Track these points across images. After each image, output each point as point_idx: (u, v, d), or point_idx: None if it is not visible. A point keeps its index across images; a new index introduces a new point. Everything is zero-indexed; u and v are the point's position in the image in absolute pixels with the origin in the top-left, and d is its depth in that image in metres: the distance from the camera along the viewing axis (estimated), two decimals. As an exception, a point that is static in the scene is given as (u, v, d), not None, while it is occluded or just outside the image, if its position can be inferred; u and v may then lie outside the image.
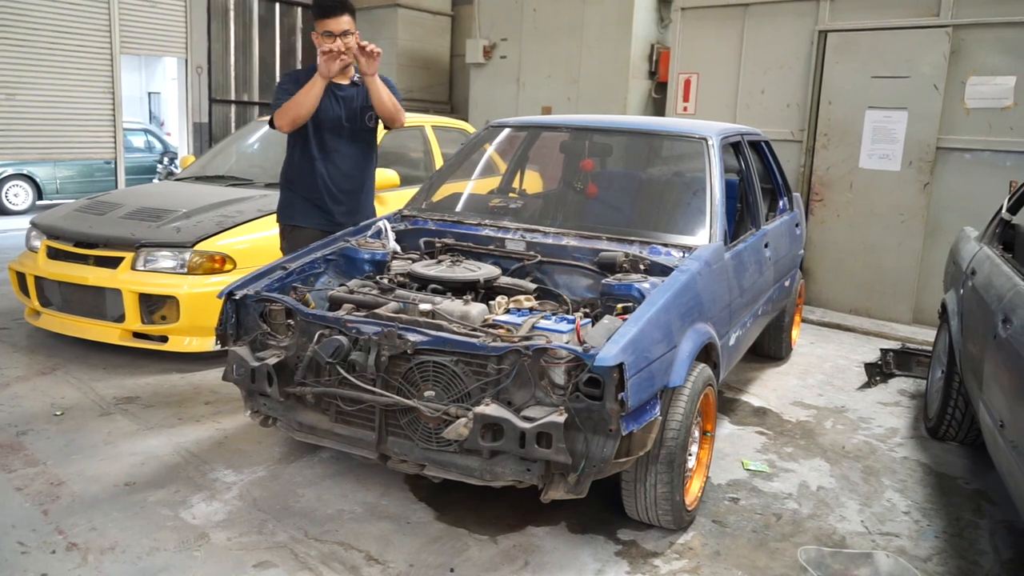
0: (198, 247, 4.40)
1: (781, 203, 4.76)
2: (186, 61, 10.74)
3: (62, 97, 9.25)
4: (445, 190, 4.15)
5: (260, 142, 6.30)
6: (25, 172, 10.41)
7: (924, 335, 5.63)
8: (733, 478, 3.39)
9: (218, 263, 4.41)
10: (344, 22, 3.52)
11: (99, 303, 4.38)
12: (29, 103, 8.88)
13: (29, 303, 4.75)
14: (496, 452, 2.52)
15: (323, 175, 3.75)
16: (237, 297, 2.99)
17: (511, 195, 4.41)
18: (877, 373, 4.82)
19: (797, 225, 4.95)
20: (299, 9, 12.34)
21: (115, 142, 9.91)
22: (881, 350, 5.00)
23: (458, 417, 2.50)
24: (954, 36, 5.72)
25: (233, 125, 11.65)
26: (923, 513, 3.18)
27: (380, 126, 3.85)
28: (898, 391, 4.66)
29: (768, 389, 4.57)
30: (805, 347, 5.45)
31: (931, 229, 6.01)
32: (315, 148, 3.74)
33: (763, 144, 4.64)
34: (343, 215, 3.80)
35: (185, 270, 4.34)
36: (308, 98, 3.54)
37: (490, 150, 4.60)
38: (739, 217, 4.08)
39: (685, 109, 7.27)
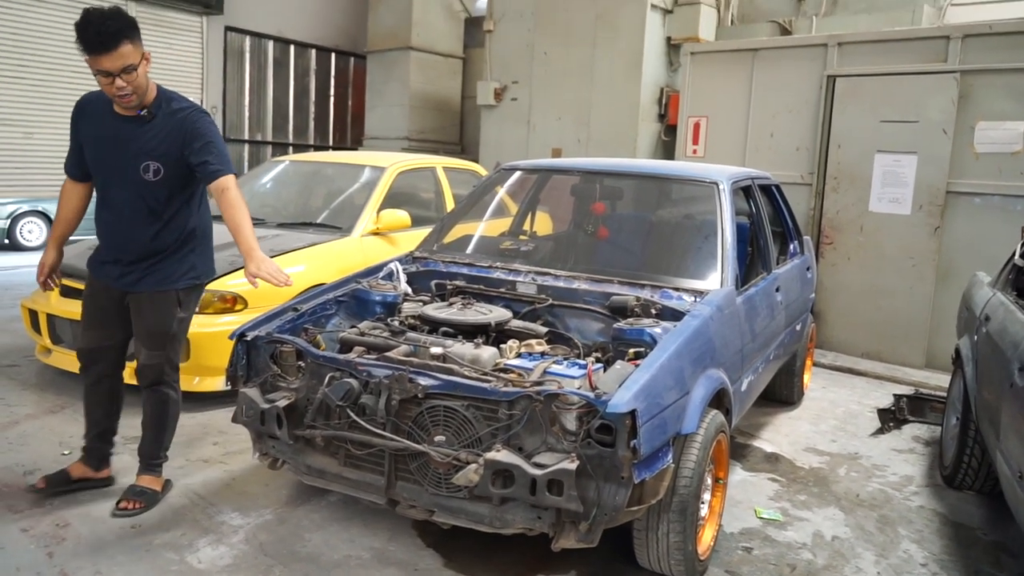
0: (210, 286, 4.40)
1: (792, 247, 4.76)
2: (201, 101, 10.92)
3: (79, 136, 9.38)
4: (456, 232, 4.17)
5: (272, 182, 6.37)
6: (40, 209, 10.51)
7: (937, 380, 5.58)
8: (746, 526, 3.33)
9: (229, 302, 4.42)
10: (123, 55, 2.75)
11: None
12: (46, 142, 9.02)
13: (41, 340, 4.76)
14: (506, 499, 2.49)
15: (102, 223, 3.17)
16: (248, 338, 2.99)
17: (522, 237, 4.43)
18: (890, 419, 4.76)
19: (808, 269, 4.95)
20: (313, 51, 12.57)
21: (129, 180, 10.02)
22: (894, 395, 4.95)
23: (468, 463, 2.48)
24: (963, 81, 5.76)
25: (246, 164, 11.80)
26: (941, 565, 3.11)
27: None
28: (912, 437, 4.60)
29: (780, 434, 4.52)
30: (817, 391, 5.40)
31: (942, 273, 5.98)
32: (98, 191, 3.18)
33: (773, 188, 4.66)
34: (117, 279, 3.16)
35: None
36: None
37: (501, 192, 4.63)
38: (750, 261, 4.08)
39: (695, 152, 7.32)
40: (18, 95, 8.63)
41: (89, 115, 3.05)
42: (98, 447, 3.34)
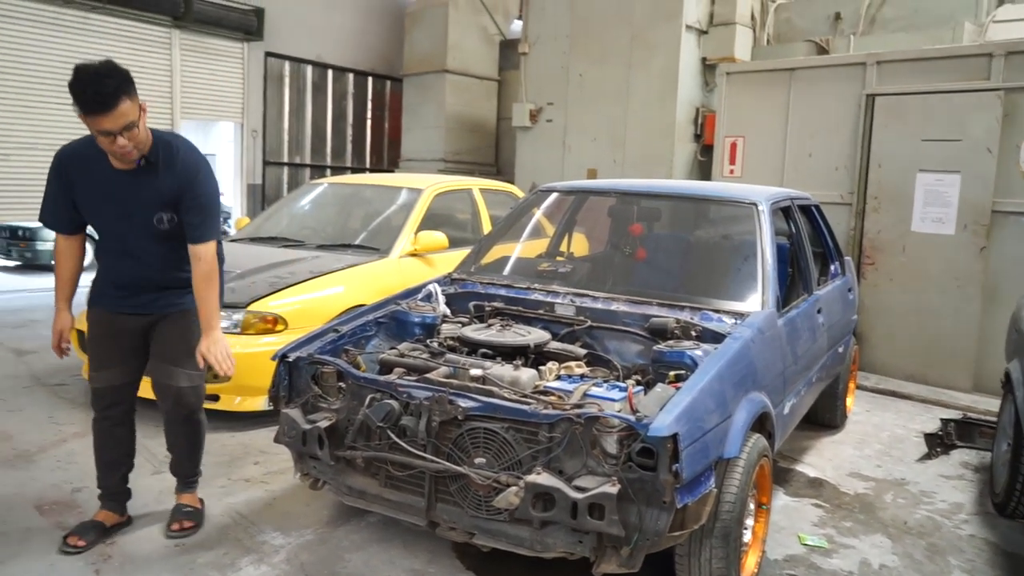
0: (251, 307, 4.48)
1: (833, 267, 4.70)
2: (242, 125, 11.15)
3: (124, 160, 9.61)
4: (494, 253, 4.19)
5: (311, 204, 6.47)
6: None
7: (986, 404, 5.44)
8: (790, 553, 3.27)
9: (270, 323, 4.48)
10: (124, 113, 2.66)
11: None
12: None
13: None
14: (547, 522, 2.47)
15: (112, 269, 3.12)
16: (291, 359, 3.03)
17: (559, 258, 4.43)
18: (938, 444, 4.65)
19: (850, 290, 4.87)
20: (350, 75, 12.77)
21: (172, 203, 10.23)
22: (941, 420, 4.83)
23: (509, 485, 2.47)
24: (1007, 99, 5.66)
25: (285, 187, 11.99)
26: (993, 595, 3.02)
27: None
28: (961, 463, 4.48)
29: (823, 459, 4.44)
30: (860, 415, 5.30)
31: (989, 294, 5.85)
32: (102, 239, 3.11)
33: (813, 208, 4.61)
34: (145, 305, 3.12)
35: (238, 330, 4.41)
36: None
37: (538, 214, 4.64)
38: (790, 282, 4.03)
39: (731, 172, 7.28)
40: (65, 121, 8.88)
41: (79, 170, 2.88)
42: (123, 490, 3.25)
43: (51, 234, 10.76)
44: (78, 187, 2.92)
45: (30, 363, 5.72)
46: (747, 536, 2.89)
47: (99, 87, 2.60)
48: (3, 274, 10.60)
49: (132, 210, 2.92)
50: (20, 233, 10.73)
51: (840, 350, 4.55)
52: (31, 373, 5.46)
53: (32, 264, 10.80)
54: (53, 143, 8.86)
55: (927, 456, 4.55)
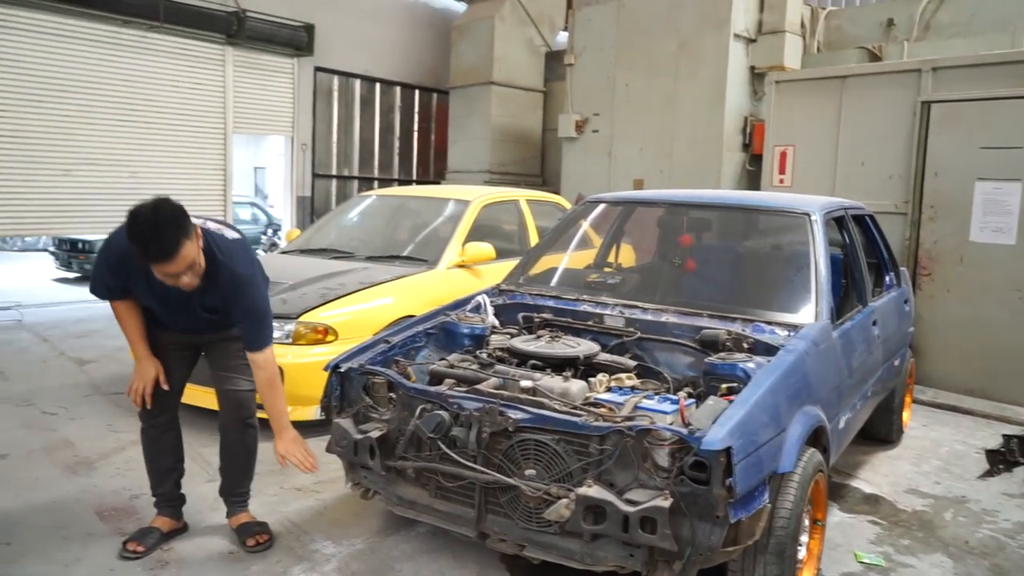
0: (303, 318, 4.55)
1: (888, 278, 4.61)
2: (292, 139, 11.35)
3: (179, 174, 9.89)
4: (542, 264, 4.19)
5: (360, 215, 6.55)
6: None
7: (1050, 419, 5.26)
8: (846, 571, 3.20)
9: (321, 334, 4.54)
10: (184, 257, 2.69)
11: (208, 370, 4.55)
12: (149, 180, 9.52)
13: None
14: (598, 535, 2.46)
15: (163, 328, 3.17)
16: (342, 370, 3.07)
17: (607, 270, 4.42)
18: (1000, 461, 4.50)
19: (906, 301, 4.77)
20: (398, 88, 12.93)
21: (224, 215, 10.48)
22: (1004, 436, 4.67)
23: (559, 497, 2.47)
24: (1070, 105, 5.49)
25: (334, 199, 12.16)
26: (1062, 619, 2.91)
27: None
28: (1024, 481, 4.34)
29: (879, 475, 4.33)
30: (917, 430, 5.16)
31: (1052, 306, 5.66)
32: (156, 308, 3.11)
33: (867, 218, 4.52)
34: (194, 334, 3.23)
35: (290, 340, 4.48)
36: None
37: (585, 225, 4.64)
38: (844, 293, 3.96)
39: (781, 182, 7.17)
40: (124, 137, 9.14)
41: (135, 271, 2.89)
42: (177, 495, 3.32)
43: (110, 246, 10.78)
44: (131, 282, 2.96)
45: (90, 372, 5.89)
46: (802, 553, 2.84)
47: (161, 243, 2.63)
48: (64, 285, 10.95)
49: (185, 308, 3.01)
50: (80, 246, 11.10)
51: (896, 363, 4.44)
52: (91, 382, 5.62)
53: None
54: (113, 159, 9.15)
55: (989, 473, 4.41)
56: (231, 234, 3.04)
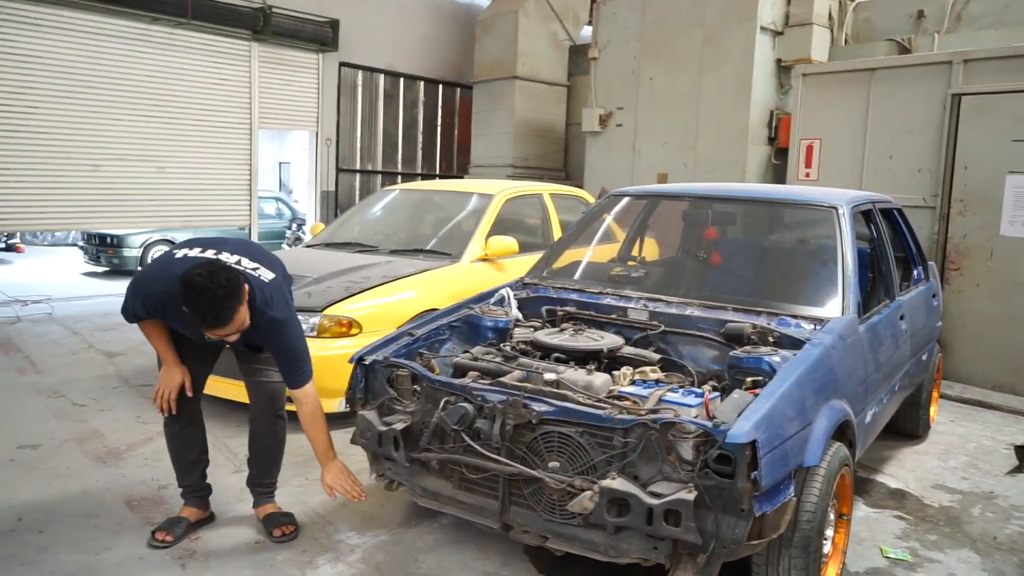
0: (327, 311, 4.58)
1: (915, 273, 4.55)
2: (316, 134, 11.41)
3: (206, 169, 9.99)
4: (566, 258, 4.19)
5: (384, 209, 6.58)
6: (168, 238, 11.21)
7: (1081, 416, 5.18)
8: (872, 566, 3.17)
9: (345, 327, 4.57)
10: (237, 321, 2.75)
11: (233, 363, 4.60)
12: (176, 175, 9.63)
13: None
14: (621, 528, 2.46)
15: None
16: (367, 362, 3.09)
17: (631, 263, 4.40)
18: (1029, 457, 4.44)
19: (934, 296, 4.71)
20: (421, 83, 12.96)
21: (250, 210, 10.58)
22: (1033, 431, 4.62)
23: (583, 490, 2.47)
24: (1105, 97, 5.38)
25: (358, 194, 12.22)
26: (1093, 617, 2.87)
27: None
28: (1054, 477, 4.27)
29: (905, 470, 4.29)
30: (944, 425, 5.10)
31: (1085, 301, 5.56)
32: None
33: (895, 212, 4.47)
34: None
35: (315, 333, 4.51)
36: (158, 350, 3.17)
37: (609, 218, 4.63)
38: (871, 288, 3.92)
39: (807, 175, 7.10)
40: (152, 133, 9.25)
41: (171, 314, 2.92)
42: (203, 486, 3.36)
43: (137, 239, 11.09)
44: (167, 318, 3.00)
45: (118, 365, 5.98)
46: (827, 547, 2.82)
47: (218, 312, 2.67)
48: (93, 279, 11.11)
49: (216, 347, 3.17)
50: (109, 240, 11.26)
51: (924, 358, 4.39)
52: (119, 374, 5.70)
53: (119, 270, 11.30)
54: (141, 155, 9.26)
55: (1018, 469, 4.35)
56: (267, 275, 3.00)
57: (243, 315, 2.77)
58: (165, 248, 11.50)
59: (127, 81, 9.10)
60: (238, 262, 2.96)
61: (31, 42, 8.37)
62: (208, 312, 2.66)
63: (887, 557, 3.25)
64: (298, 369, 3.03)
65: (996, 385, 5.95)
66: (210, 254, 2.95)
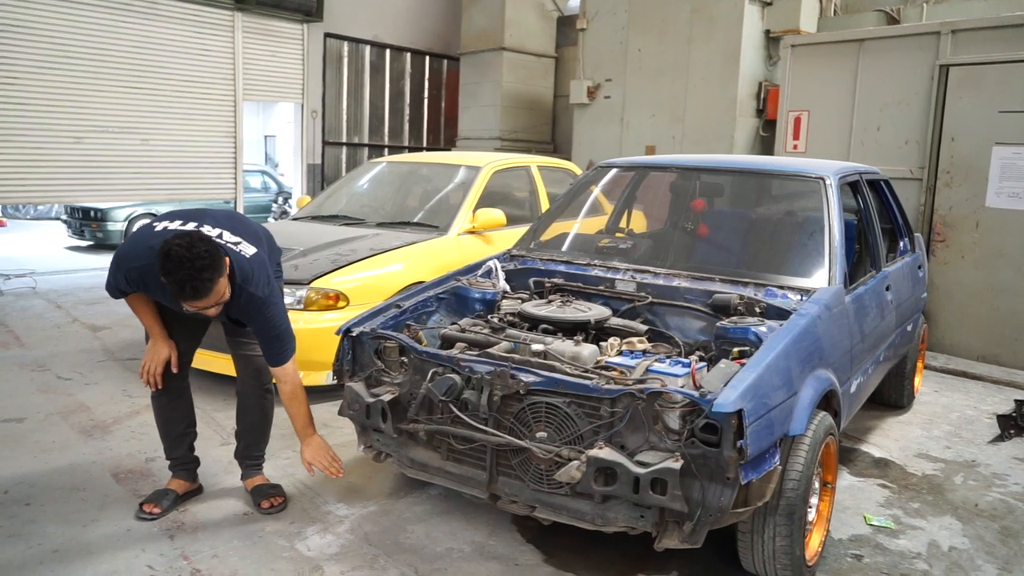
0: (314, 284, 4.56)
1: (902, 244, 4.57)
2: (302, 106, 11.28)
3: (190, 141, 9.85)
4: (553, 230, 4.17)
5: (370, 182, 6.53)
6: (152, 211, 11.11)
7: (1063, 386, 5.24)
8: (855, 533, 3.21)
9: (332, 300, 4.55)
10: (217, 292, 2.70)
11: (221, 336, 4.58)
12: (160, 147, 9.50)
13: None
14: (608, 496, 2.48)
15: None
16: (354, 334, 3.08)
17: (619, 235, 4.40)
18: (1011, 426, 4.49)
19: (919, 267, 4.73)
20: (408, 55, 12.82)
21: (235, 183, 10.46)
22: (1016, 401, 4.66)
23: (570, 459, 2.48)
24: (1092, 68, 5.39)
25: (344, 166, 12.13)
26: (1071, 581, 2.92)
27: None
28: (1035, 446, 4.33)
29: (890, 439, 4.34)
30: (929, 395, 5.15)
31: (1068, 272, 5.61)
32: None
33: (882, 183, 4.47)
34: None
35: (301, 306, 4.49)
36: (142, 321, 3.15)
37: (596, 190, 4.61)
38: (858, 259, 3.93)
39: (795, 147, 7.09)
40: (135, 105, 9.12)
41: (153, 287, 2.89)
42: (191, 459, 3.35)
43: (121, 213, 10.95)
44: (148, 292, 2.98)
45: (103, 338, 5.94)
46: (812, 515, 2.85)
47: (198, 284, 2.63)
48: (77, 253, 11.01)
49: (203, 320, 3.15)
50: (92, 214, 11.15)
51: (909, 328, 4.43)
52: (104, 348, 5.67)
53: (103, 244, 11.20)
54: (124, 126, 9.13)
55: (1000, 438, 4.41)
56: (248, 250, 2.95)
57: (222, 287, 2.72)
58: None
59: (109, 52, 8.94)
60: (219, 235, 2.91)
61: (10, 12, 8.20)
62: (186, 283, 2.61)
63: (871, 524, 3.29)
64: (277, 347, 3.00)
65: (980, 356, 6.01)
66: (191, 226, 2.91)
